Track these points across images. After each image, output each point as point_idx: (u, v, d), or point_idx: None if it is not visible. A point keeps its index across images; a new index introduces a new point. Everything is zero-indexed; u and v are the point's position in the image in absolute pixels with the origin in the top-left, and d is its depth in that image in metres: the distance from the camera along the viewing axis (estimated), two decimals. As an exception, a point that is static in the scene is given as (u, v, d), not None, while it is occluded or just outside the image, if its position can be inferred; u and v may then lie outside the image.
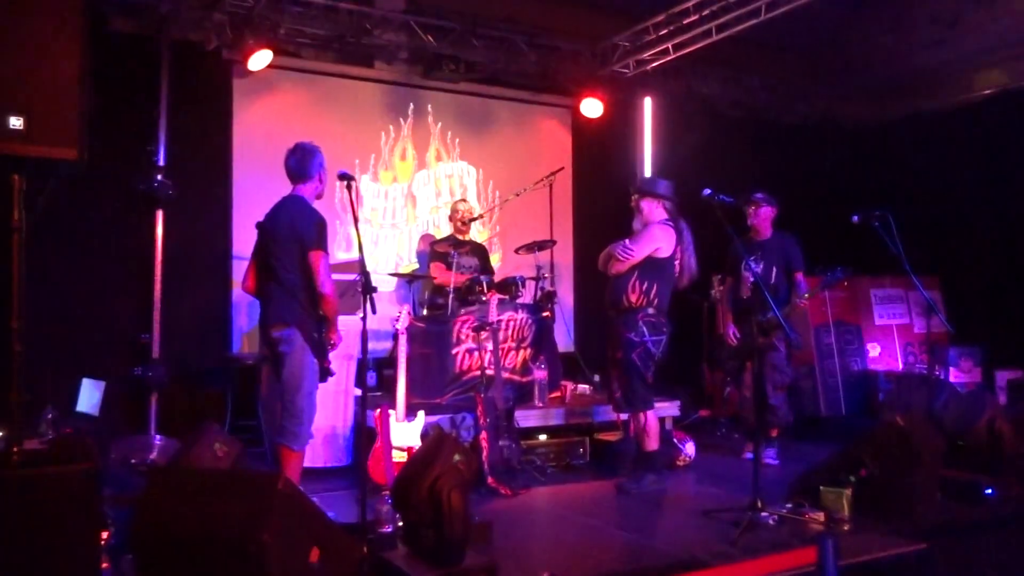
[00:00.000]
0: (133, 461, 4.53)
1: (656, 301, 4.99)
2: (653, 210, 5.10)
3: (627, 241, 5.05)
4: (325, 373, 4.23)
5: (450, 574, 3.06)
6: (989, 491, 4.52)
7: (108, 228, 6.09)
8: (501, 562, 3.24)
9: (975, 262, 7.94)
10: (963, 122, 8.19)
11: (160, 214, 6.12)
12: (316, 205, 4.34)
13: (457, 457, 3.18)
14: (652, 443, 5.12)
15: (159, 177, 6.07)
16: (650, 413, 5.10)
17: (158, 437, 5.17)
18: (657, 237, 5.00)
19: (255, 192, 6.58)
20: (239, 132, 6.74)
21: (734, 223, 4.64)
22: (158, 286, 6.05)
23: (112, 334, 6.08)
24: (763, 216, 6.00)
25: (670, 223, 5.08)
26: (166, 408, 5.99)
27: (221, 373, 6.23)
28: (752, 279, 4.78)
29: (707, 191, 4.44)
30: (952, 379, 7.35)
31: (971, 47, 7.72)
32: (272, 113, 6.86)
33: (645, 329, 4.95)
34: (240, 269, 6.54)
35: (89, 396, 4.89)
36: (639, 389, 5.01)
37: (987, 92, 8.10)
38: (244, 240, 6.51)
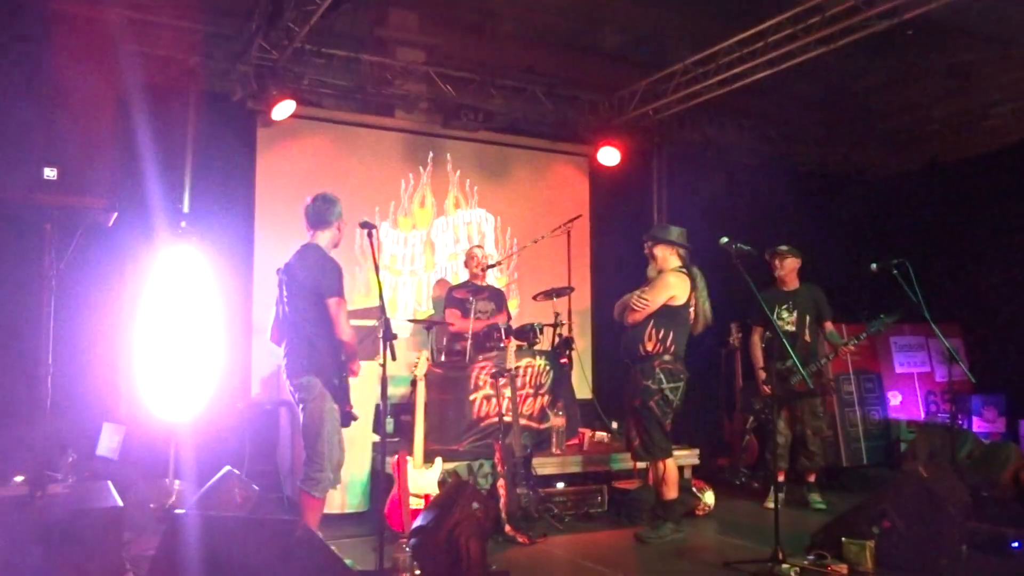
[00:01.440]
0: (152, 506, 4.54)
1: (672, 348, 5.00)
2: (667, 257, 5.15)
3: (642, 290, 5.09)
4: (348, 418, 4.25)
5: (468, 624, 3.03)
6: (1016, 544, 4.43)
7: (130, 271, 6.17)
8: (519, 612, 3.21)
9: (996, 310, 7.88)
10: (981, 170, 8.21)
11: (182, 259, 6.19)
12: (335, 253, 4.40)
13: (476, 505, 3.17)
14: (671, 492, 5.09)
15: (183, 225, 6.16)
16: (669, 461, 5.07)
17: (178, 482, 5.17)
18: (672, 285, 5.03)
19: (277, 239, 6.68)
20: (262, 180, 6.87)
21: (751, 271, 4.64)
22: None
23: (132, 380, 6.12)
24: (789, 267, 6.12)
25: (684, 270, 5.12)
26: (185, 452, 6.00)
27: (240, 418, 6.25)
28: (772, 327, 4.78)
29: (725, 239, 4.47)
30: (976, 428, 7.25)
31: (986, 97, 7.77)
32: (294, 161, 6.99)
33: (663, 376, 4.97)
34: (261, 315, 6.65)
35: (109, 439, 4.92)
36: (657, 437, 5.01)
37: (1004, 141, 8.11)
38: (265, 287, 6.59)
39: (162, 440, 5.96)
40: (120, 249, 6.04)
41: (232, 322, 6.62)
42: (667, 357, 4.99)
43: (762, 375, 6.05)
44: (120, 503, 2.95)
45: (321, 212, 4.35)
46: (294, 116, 6.58)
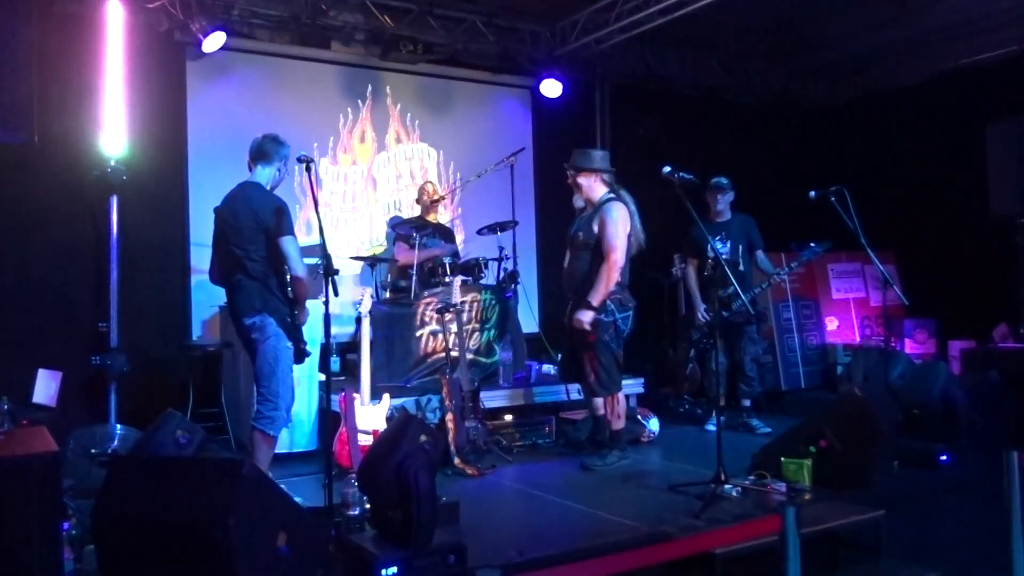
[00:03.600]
0: (93, 451, 4.45)
1: (619, 278, 4.96)
2: (592, 186, 5.07)
3: (607, 246, 4.88)
4: (303, 355, 4.23)
5: (419, 555, 3.06)
6: (944, 458, 4.64)
7: (63, 217, 5.96)
8: (469, 542, 3.24)
9: (928, 237, 8.10)
10: (915, 100, 8.33)
11: (114, 200, 5.98)
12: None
13: (423, 438, 3.18)
14: (619, 422, 5.14)
15: (112, 163, 5.93)
16: (620, 394, 5.12)
17: (118, 427, 5.08)
18: (622, 218, 4.94)
19: (212, 176, 6.48)
20: (194, 116, 6.61)
21: (693, 201, 4.67)
22: (114, 274, 5.94)
23: (68, 323, 5.96)
24: (726, 200, 6.32)
25: (613, 196, 5.03)
26: (125, 397, 5.90)
27: (181, 361, 6.14)
28: (715, 256, 4.85)
29: (667, 168, 4.46)
30: (908, 350, 7.52)
31: (921, 27, 7.83)
32: (228, 96, 6.74)
33: (614, 308, 4.94)
34: (197, 255, 6.49)
35: (46, 387, 4.79)
36: (613, 370, 5.01)
37: (937, 70, 8.22)
38: (201, 226, 6.43)
39: (100, 385, 5.85)
40: (46, 187, 5.81)
41: (167, 263, 6.46)
42: (617, 288, 4.96)
43: (701, 305, 6.21)
44: (55, 448, 2.88)
45: (265, 149, 4.25)
46: (225, 49, 6.31)
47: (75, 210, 6.00)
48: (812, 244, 5.93)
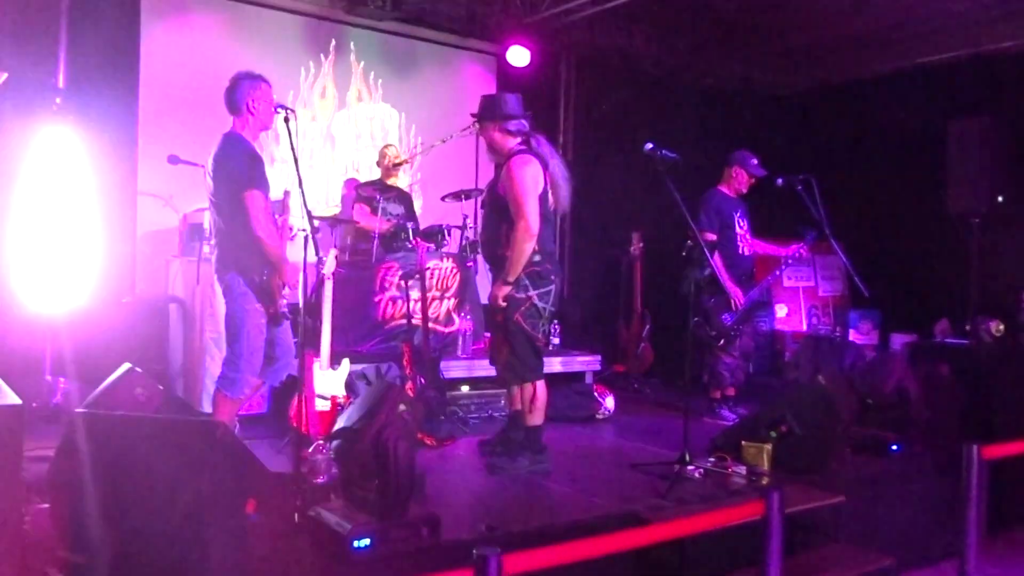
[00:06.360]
0: (34, 405, 4.22)
1: (537, 246, 4.14)
2: (504, 138, 4.25)
3: (513, 210, 4.10)
4: (278, 319, 4.04)
5: (393, 526, 2.97)
6: (895, 447, 4.75)
7: (2, 155, 5.59)
8: (436, 513, 3.18)
9: (879, 230, 8.25)
10: (875, 94, 8.47)
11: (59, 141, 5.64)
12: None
13: (403, 407, 3.08)
14: (536, 417, 4.27)
15: (58, 101, 5.58)
16: (540, 384, 4.25)
17: (62, 380, 4.82)
18: (531, 175, 4.12)
19: (163, 123, 6.20)
20: (147, 60, 6.28)
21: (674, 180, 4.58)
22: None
23: (5, 270, 5.62)
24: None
25: (524, 149, 4.24)
26: (65, 349, 5.60)
27: (124, 315, 5.86)
28: (693, 234, 4.60)
29: (650, 145, 4.34)
30: (853, 340, 7.70)
31: (884, 19, 7.95)
32: (183, 41, 6.42)
33: (528, 282, 4.14)
34: (144, 205, 6.21)
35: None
36: (526, 355, 4.19)
37: (897, 66, 8.37)
38: (150, 174, 6.15)
39: (39, 335, 5.55)
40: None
41: (113, 212, 6.13)
42: (536, 258, 4.14)
43: (735, 292, 5.70)
44: (19, 400, 2.69)
45: (230, 95, 3.99)
46: (183, -13, 6.02)
47: (16, 149, 5.63)
48: (810, 232, 5.70)
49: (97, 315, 5.87)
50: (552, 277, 4.20)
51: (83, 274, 5.83)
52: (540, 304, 4.16)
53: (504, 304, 4.15)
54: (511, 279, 4.12)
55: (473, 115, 4.48)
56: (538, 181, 4.14)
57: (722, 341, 5.78)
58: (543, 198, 4.18)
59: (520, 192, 4.07)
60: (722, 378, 5.91)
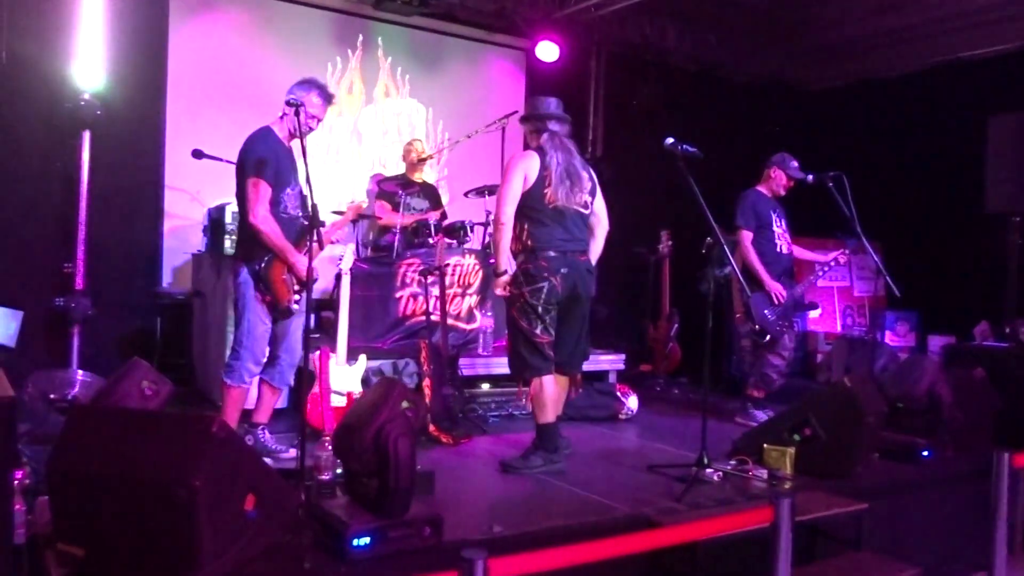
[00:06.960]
0: (52, 397, 4.25)
1: (531, 243, 4.16)
2: (530, 136, 4.36)
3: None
4: (284, 314, 4.03)
5: (393, 525, 2.92)
6: (926, 453, 4.59)
7: (31, 149, 5.68)
8: (445, 513, 3.12)
9: (917, 229, 8.04)
10: (912, 90, 8.24)
11: (86, 136, 5.71)
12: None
13: (405, 404, 3.03)
14: (545, 415, 4.25)
15: (86, 96, 5.65)
16: (547, 379, 4.23)
17: (80, 372, 4.87)
18: (515, 167, 4.16)
19: (190, 118, 6.24)
20: (175, 53, 6.33)
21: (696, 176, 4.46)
22: (83, 213, 5.68)
23: (32, 262, 5.71)
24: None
25: (535, 146, 4.27)
26: (89, 343, 5.67)
27: (149, 308, 5.92)
28: (713, 232, 4.45)
29: (670, 140, 4.23)
30: (888, 342, 7.49)
31: (920, 16, 7.73)
32: (211, 36, 6.47)
33: (522, 279, 4.18)
34: (172, 199, 6.26)
35: (5, 326, 4.58)
36: (524, 351, 4.22)
37: (936, 61, 8.13)
38: (177, 168, 6.19)
39: (63, 328, 5.62)
40: (14, 120, 5.53)
41: (140, 205, 6.20)
42: (520, 257, 4.22)
43: (775, 286, 5.56)
44: (12, 393, 2.69)
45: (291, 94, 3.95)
46: (211, -16, 6.05)
47: (45, 142, 5.72)
48: (849, 239, 5.48)
49: (121, 308, 5.95)
50: (544, 275, 4.15)
51: (109, 267, 5.91)
52: (532, 301, 4.17)
53: (507, 295, 4.27)
54: (500, 269, 4.22)
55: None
56: (527, 175, 4.15)
57: (767, 337, 5.60)
58: (533, 192, 4.16)
59: (502, 187, 4.18)
60: (770, 380, 5.72)
